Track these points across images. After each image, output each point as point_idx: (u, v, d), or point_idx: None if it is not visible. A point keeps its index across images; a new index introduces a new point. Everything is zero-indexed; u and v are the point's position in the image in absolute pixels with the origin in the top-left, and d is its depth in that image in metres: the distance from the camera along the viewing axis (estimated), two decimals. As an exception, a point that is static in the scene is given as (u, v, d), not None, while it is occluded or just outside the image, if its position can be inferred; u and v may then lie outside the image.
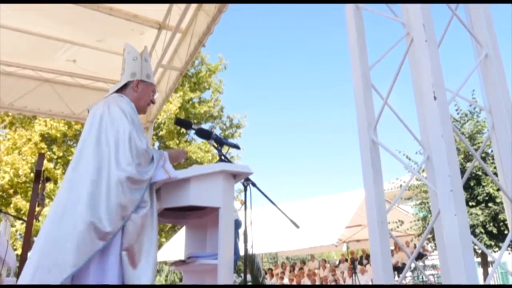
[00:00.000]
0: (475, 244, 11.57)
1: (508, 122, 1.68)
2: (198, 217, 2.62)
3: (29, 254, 2.06)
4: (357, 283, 12.36)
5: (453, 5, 1.94)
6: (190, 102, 18.70)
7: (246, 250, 2.36)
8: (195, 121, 18.97)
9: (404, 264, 12.78)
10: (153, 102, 2.52)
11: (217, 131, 19.48)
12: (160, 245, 17.98)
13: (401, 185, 12.99)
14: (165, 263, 19.49)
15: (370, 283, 12.21)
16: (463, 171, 11.74)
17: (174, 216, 2.59)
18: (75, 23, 5.37)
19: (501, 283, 19.44)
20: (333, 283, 13.10)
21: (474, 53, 1.88)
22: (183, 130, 16.66)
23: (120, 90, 2.44)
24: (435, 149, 1.45)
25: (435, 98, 1.49)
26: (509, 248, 12.08)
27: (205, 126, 19.52)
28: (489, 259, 12.41)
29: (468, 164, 11.18)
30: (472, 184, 11.62)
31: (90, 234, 1.96)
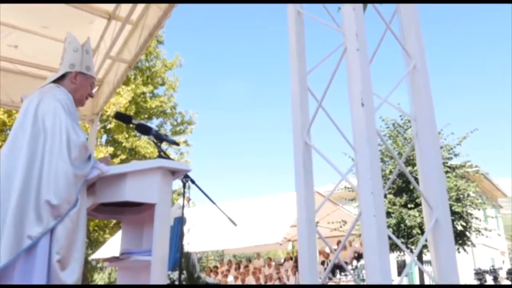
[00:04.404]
0: (412, 244, 12.20)
1: (430, 130, 1.80)
2: (135, 213, 2.59)
3: None
4: (300, 282, 12.60)
5: (387, 19, 2.04)
6: (142, 96, 18.32)
7: (182, 246, 2.36)
8: (146, 115, 18.62)
9: (346, 263, 13.18)
10: (91, 95, 2.47)
11: (168, 127, 19.25)
12: (103, 241, 17.51)
13: (345, 186, 13.38)
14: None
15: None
16: (403, 174, 12.27)
17: (110, 212, 2.55)
18: (18, 6, 5.12)
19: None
20: (277, 281, 13.30)
21: (404, 64, 1.99)
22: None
23: (58, 80, 2.37)
24: (360, 153, 1.53)
25: (362, 104, 1.57)
26: (460, 247, 12.79)
27: (156, 121, 19.24)
28: (424, 258, 13.06)
29: (409, 168, 11.71)
30: (411, 187, 12.17)
31: (17, 232, 1.91)
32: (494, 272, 11.83)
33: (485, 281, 11.90)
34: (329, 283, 13.41)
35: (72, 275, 1.97)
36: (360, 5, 1.77)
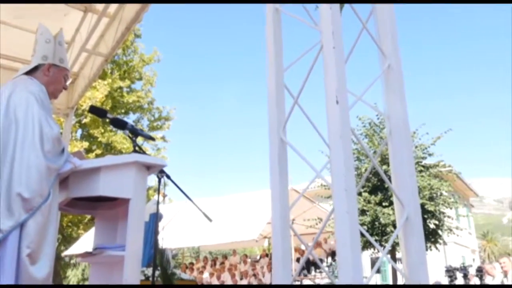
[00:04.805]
0: (386, 241, 12.40)
1: (403, 129, 1.83)
2: (109, 208, 2.56)
3: None
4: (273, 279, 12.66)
5: (364, 19, 2.07)
6: (119, 90, 18.04)
7: (156, 241, 2.35)
8: (123, 110, 18.37)
9: (321, 260, 13.33)
10: (65, 88, 2.42)
11: (145, 122, 19.05)
12: (77, 237, 17.24)
13: (321, 184, 13.51)
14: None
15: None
16: (379, 173, 12.46)
17: (84, 207, 2.51)
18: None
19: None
20: (253, 278, 13.34)
21: (379, 63, 2.02)
22: (108, 118, 15.94)
23: (30, 72, 2.32)
24: (334, 150, 1.55)
25: (337, 102, 1.59)
26: (432, 245, 13.04)
27: (133, 116, 19.00)
28: (398, 255, 13.30)
29: (384, 167, 11.89)
30: (386, 185, 12.35)
31: None
32: (464, 269, 12.12)
33: (456, 278, 12.18)
34: (305, 281, 13.54)
35: (42, 269, 1.93)
36: (337, 5, 1.79)
